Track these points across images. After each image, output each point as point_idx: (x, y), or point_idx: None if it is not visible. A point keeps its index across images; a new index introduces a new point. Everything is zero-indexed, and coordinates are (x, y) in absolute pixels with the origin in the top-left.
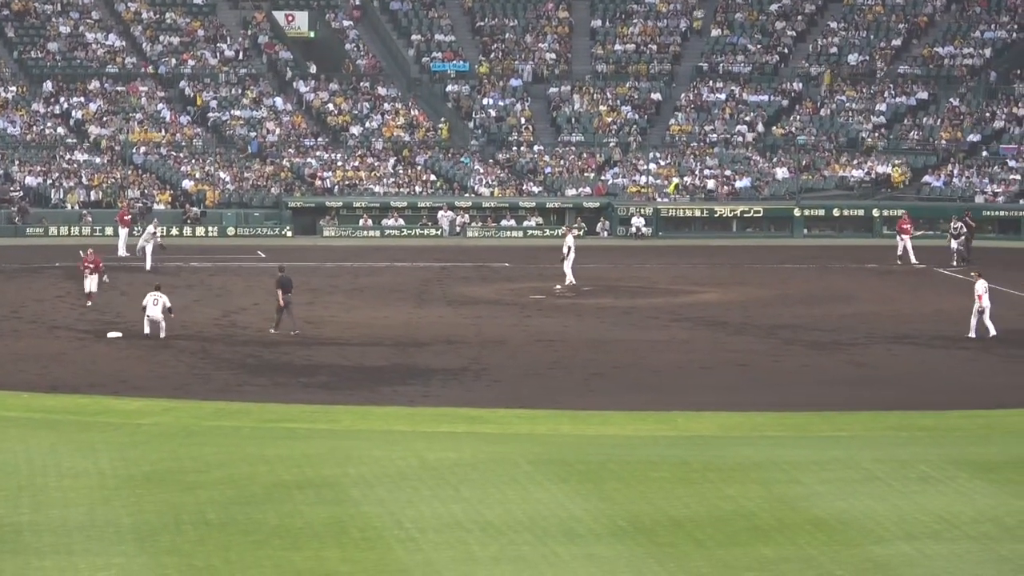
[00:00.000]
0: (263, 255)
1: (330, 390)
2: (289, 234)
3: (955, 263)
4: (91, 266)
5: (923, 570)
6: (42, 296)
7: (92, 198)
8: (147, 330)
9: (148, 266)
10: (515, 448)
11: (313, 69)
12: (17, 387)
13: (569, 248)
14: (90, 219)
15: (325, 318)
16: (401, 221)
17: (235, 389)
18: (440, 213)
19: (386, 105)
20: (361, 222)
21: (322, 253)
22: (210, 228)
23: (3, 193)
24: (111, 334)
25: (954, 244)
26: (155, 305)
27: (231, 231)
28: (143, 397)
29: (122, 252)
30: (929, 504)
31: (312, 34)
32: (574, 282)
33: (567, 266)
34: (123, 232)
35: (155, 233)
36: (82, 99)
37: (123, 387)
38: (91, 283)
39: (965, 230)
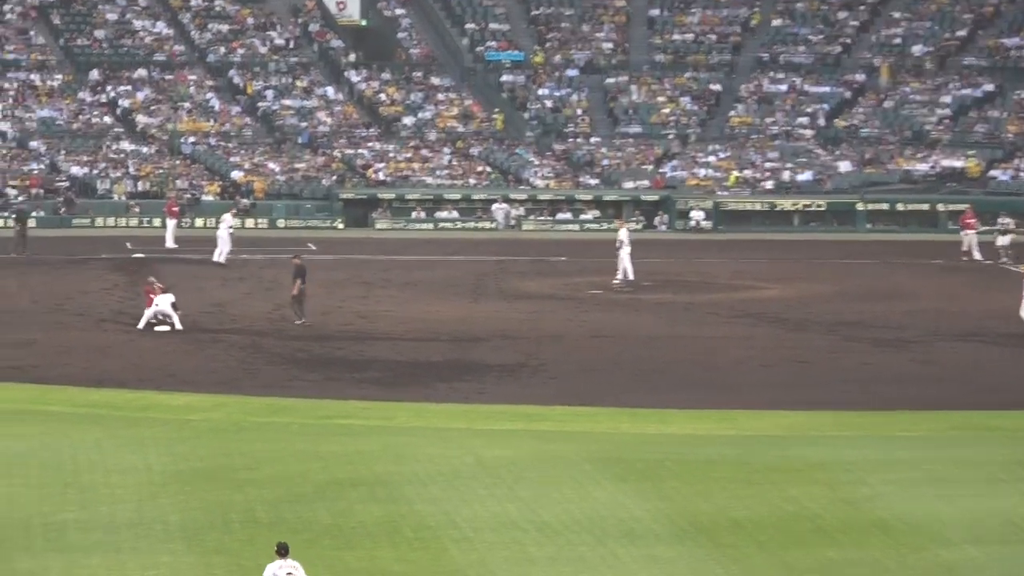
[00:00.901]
0: (314, 247)
1: (384, 386)
2: (340, 226)
3: (1003, 260)
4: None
5: (992, 575)
6: (88, 288)
7: (139, 188)
8: (142, 324)
9: (222, 259)
10: (573, 446)
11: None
12: (62, 381)
13: (622, 242)
14: (137, 210)
15: (378, 312)
16: (455, 214)
17: (286, 384)
18: (495, 206)
19: (439, 95)
20: (414, 214)
21: (374, 246)
22: (260, 220)
23: (49, 183)
24: (159, 327)
25: (1002, 240)
26: (165, 297)
27: (281, 223)
28: (192, 392)
29: (170, 244)
30: (998, 507)
31: (364, 22)
32: (631, 277)
33: (622, 259)
34: (171, 223)
35: (232, 226)
36: (129, 88)
37: (171, 381)
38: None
39: (1013, 226)
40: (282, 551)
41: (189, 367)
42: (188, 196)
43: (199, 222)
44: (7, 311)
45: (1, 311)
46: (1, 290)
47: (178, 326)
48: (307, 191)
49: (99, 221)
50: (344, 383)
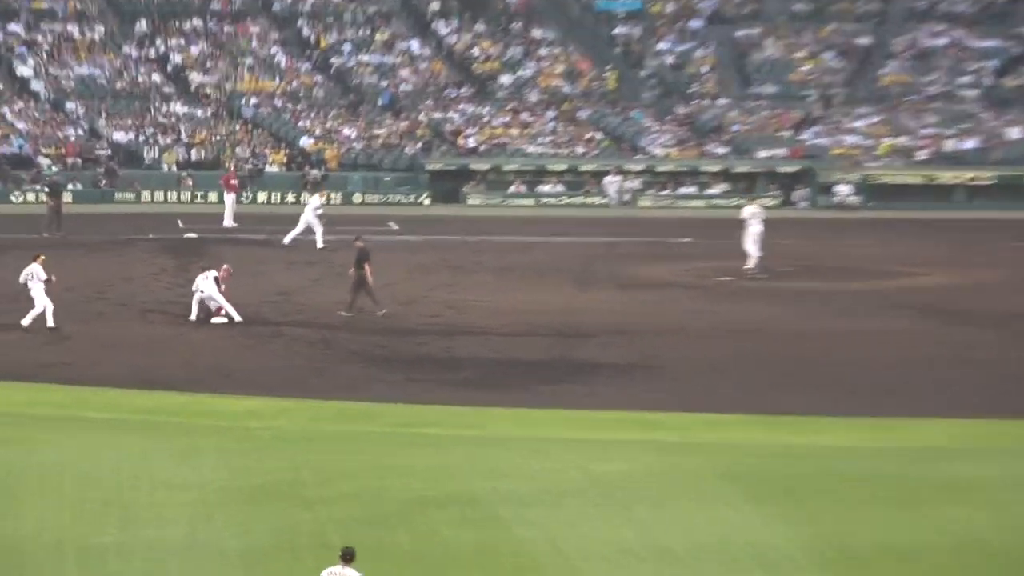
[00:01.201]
0: (395, 227)
1: (476, 388)
2: (427, 202)
3: None
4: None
5: None
6: (132, 273)
7: (193, 158)
8: (193, 315)
9: (319, 243)
10: (699, 460)
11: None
12: (103, 382)
13: (750, 221)
14: (190, 183)
15: (469, 302)
16: (560, 187)
17: (363, 386)
18: (606, 178)
19: (542, 50)
20: (512, 188)
21: (465, 225)
22: (333, 194)
23: (88, 151)
24: (215, 319)
25: None
26: (204, 279)
27: (357, 198)
28: (253, 395)
29: (228, 223)
30: None
31: None
32: (753, 261)
33: (750, 241)
34: (229, 199)
35: (319, 207)
36: (182, 41)
37: (229, 383)
38: (217, 298)
39: None
40: (347, 557)
41: (249, 366)
42: (249, 167)
43: (261, 197)
44: None
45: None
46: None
47: (193, 317)
48: (388, 161)
49: (145, 196)
50: (430, 385)
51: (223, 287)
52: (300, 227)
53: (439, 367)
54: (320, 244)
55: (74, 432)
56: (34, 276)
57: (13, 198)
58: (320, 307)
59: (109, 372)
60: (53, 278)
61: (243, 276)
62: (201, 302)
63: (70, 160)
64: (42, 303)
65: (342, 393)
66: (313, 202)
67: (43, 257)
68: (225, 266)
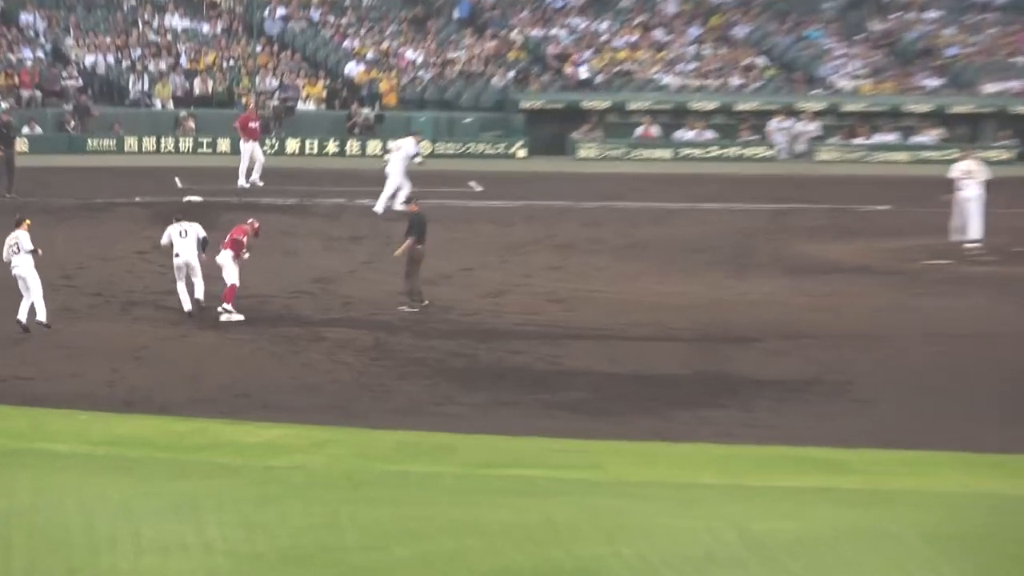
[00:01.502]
0: (478, 188)
1: (590, 414)
2: (521, 154)
3: None
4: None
5: None
6: (111, 252)
7: (196, 91)
8: (187, 305)
9: (379, 206)
10: (897, 514)
11: None
12: (72, 403)
13: (965, 182)
14: (192, 125)
15: (581, 295)
16: (708, 134)
17: (431, 410)
18: (772, 122)
19: None
20: (640, 134)
21: (575, 186)
22: (391, 142)
23: (51, 81)
24: (224, 316)
25: None
26: (183, 238)
27: (423, 146)
28: (278, 422)
29: (246, 180)
30: None
31: None
32: (976, 236)
33: (966, 209)
34: (247, 148)
35: (417, 155)
36: None
37: (245, 405)
38: (231, 273)
39: None
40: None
41: (274, 382)
42: (274, 104)
43: (291, 145)
44: None
45: None
46: None
47: (198, 294)
48: (467, 97)
49: (130, 143)
50: (525, 408)
51: (245, 252)
52: (392, 184)
53: (539, 384)
54: (380, 207)
55: (30, 472)
56: (20, 248)
57: None
58: (373, 299)
59: (79, 389)
60: (39, 250)
61: (269, 256)
62: (191, 286)
63: (25, 94)
64: (38, 285)
65: (402, 420)
66: (406, 147)
67: (28, 221)
68: (251, 220)
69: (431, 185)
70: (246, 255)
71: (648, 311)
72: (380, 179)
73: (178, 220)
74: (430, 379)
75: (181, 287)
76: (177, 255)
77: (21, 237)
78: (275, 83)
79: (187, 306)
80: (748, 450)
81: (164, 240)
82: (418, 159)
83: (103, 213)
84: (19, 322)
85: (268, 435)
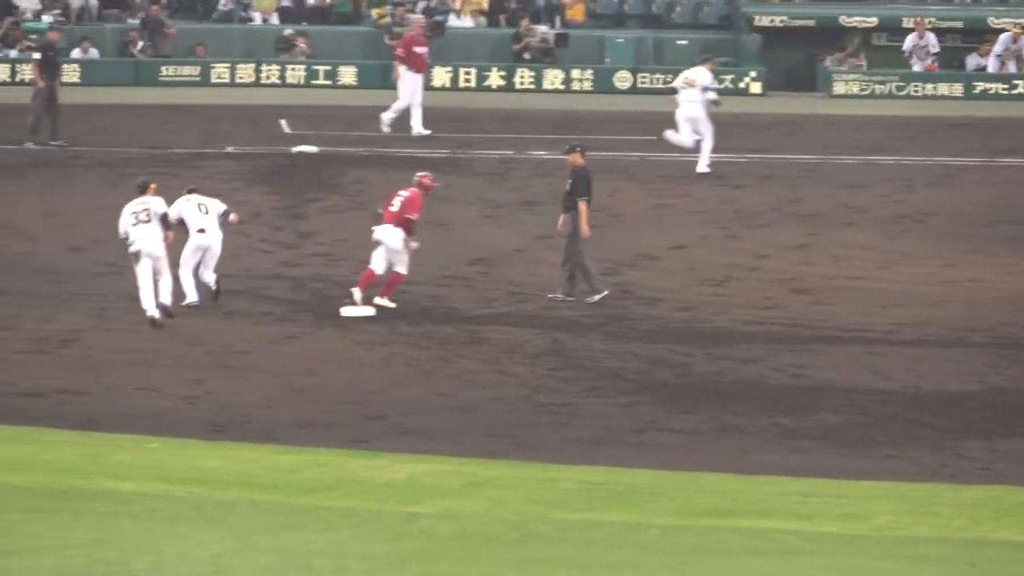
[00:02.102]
0: (699, 135)
1: (846, 445)
2: (756, 88)
3: None
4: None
5: None
6: None
7: (309, 1)
8: (191, 297)
9: (702, 165)
10: None
11: None
12: (142, 427)
13: None
14: (303, 46)
15: (836, 280)
16: (1012, 65)
17: (629, 438)
18: None
19: None
20: (917, 64)
21: (828, 133)
22: (576, 71)
23: None
24: (347, 309)
25: None
26: (204, 214)
27: (622, 79)
28: (422, 454)
29: (419, 127)
30: None
31: None
32: None
33: None
34: (413, 82)
35: (712, 91)
36: None
37: (377, 430)
38: (377, 259)
39: None
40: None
41: (417, 398)
42: (436, 19)
43: (440, 77)
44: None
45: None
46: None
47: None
48: (682, 10)
49: (219, 72)
50: (757, 437)
51: (415, 215)
52: (709, 132)
53: (776, 404)
54: (704, 165)
55: (87, 520)
56: (152, 217)
57: None
58: (551, 288)
59: (151, 408)
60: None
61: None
62: (198, 274)
63: (76, 3)
64: (166, 270)
65: (589, 452)
66: (701, 79)
67: (155, 185)
68: (421, 174)
69: (628, 132)
70: (414, 244)
71: (926, 306)
72: (555, 118)
73: (192, 191)
74: (627, 396)
75: (187, 278)
76: (202, 230)
77: (154, 204)
78: None
79: (194, 298)
80: None
81: (173, 213)
82: (712, 95)
83: (182, 168)
84: (152, 319)
85: (408, 471)
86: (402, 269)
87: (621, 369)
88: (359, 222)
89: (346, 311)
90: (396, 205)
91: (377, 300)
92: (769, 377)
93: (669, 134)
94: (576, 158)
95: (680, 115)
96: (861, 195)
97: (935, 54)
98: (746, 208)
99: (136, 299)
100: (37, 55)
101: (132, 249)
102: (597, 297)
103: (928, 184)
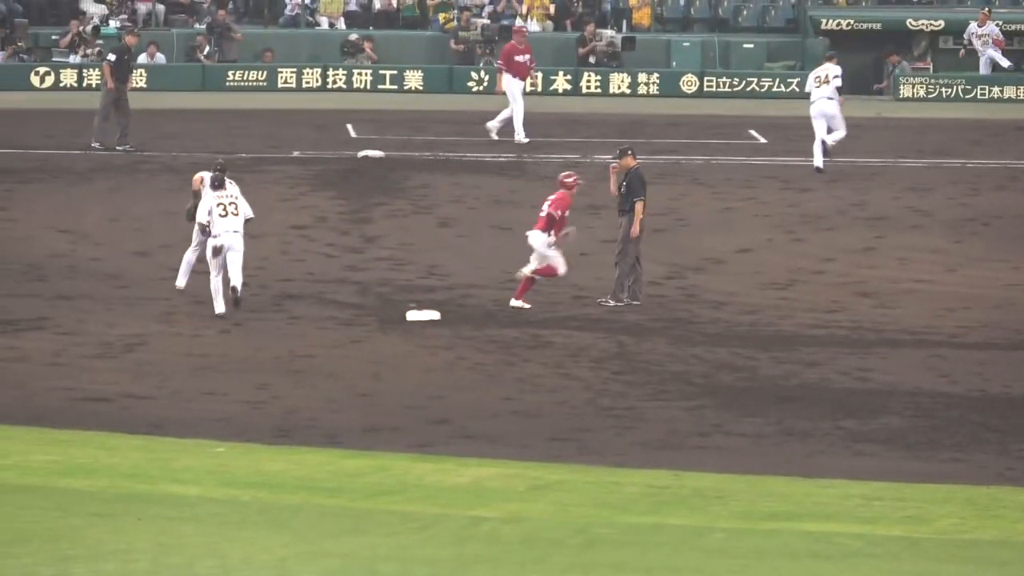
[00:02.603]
0: (763, 139)
1: (911, 449)
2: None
3: None
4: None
5: None
6: (260, 226)
7: (377, 5)
8: (215, 289)
9: (818, 160)
10: None
11: None
12: (207, 431)
13: None
14: (370, 51)
15: (902, 283)
16: None
17: (693, 442)
18: None
19: None
20: (986, 60)
21: (895, 136)
22: (643, 75)
23: None
24: (413, 313)
25: None
26: (224, 217)
27: (690, 82)
28: (486, 458)
29: (521, 135)
30: None
31: None
32: None
33: None
34: (516, 89)
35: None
36: None
37: (441, 434)
38: (536, 259)
39: None
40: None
41: (481, 402)
42: (485, 23)
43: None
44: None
45: (63, 269)
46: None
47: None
48: (748, 13)
49: (286, 76)
50: (821, 441)
51: (564, 232)
52: (820, 125)
53: (841, 408)
54: (819, 162)
55: (151, 524)
56: (240, 210)
57: (35, 78)
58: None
59: (216, 412)
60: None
61: (474, 234)
62: (225, 275)
63: (142, 8)
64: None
65: (654, 456)
66: (832, 74)
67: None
68: (564, 173)
69: (696, 135)
70: (570, 232)
71: (992, 309)
72: (622, 123)
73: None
74: (692, 400)
75: (216, 282)
76: (215, 236)
77: (240, 200)
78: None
79: (219, 307)
80: None
81: (203, 211)
82: (833, 101)
83: (248, 173)
84: (221, 315)
85: (472, 475)
86: (561, 269)
87: (685, 373)
88: (424, 226)
89: (412, 315)
90: (544, 209)
91: (513, 303)
92: (834, 380)
93: (836, 135)
94: (629, 160)
95: (815, 112)
96: (927, 198)
97: (998, 40)
98: (811, 211)
99: (201, 302)
100: (112, 56)
101: (216, 243)
102: (612, 303)
103: (994, 187)
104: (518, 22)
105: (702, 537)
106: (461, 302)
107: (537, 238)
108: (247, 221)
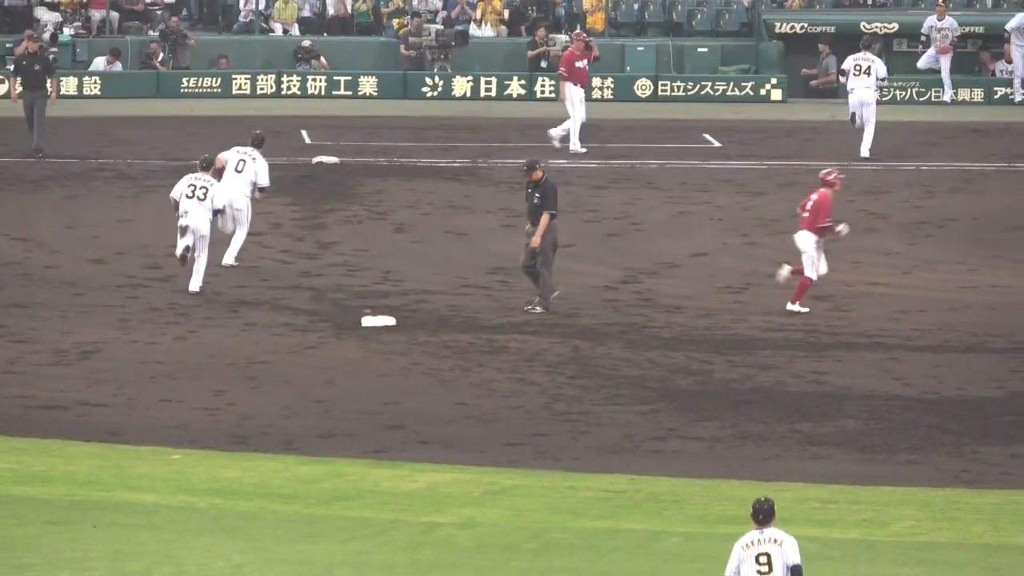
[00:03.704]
0: (717, 143)
1: (866, 451)
2: (776, 95)
3: None
4: None
5: None
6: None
7: (330, 11)
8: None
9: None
10: None
11: None
12: (162, 438)
13: None
14: (323, 60)
15: (856, 286)
16: None
17: (648, 446)
18: None
19: None
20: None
21: (847, 139)
22: (598, 80)
23: None
24: (369, 319)
25: None
26: (198, 200)
27: (643, 87)
28: (441, 463)
29: (576, 144)
30: None
31: None
32: None
33: None
34: (576, 97)
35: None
36: None
37: (396, 440)
38: (807, 261)
39: None
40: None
41: (436, 408)
42: (439, 29)
43: (459, 86)
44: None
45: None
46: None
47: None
48: (703, 18)
49: (240, 83)
50: (776, 444)
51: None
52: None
53: (796, 411)
54: (867, 150)
55: (107, 532)
56: (208, 195)
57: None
58: (570, 296)
59: (171, 419)
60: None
61: (429, 239)
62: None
63: (97, 15)
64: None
65: (609, 460)
66: (877, 67)
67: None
68: (825, 171)
69: (651, 140)
70: (842, 228)
71: (947, 312)
72: (585, 131)
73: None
74: (648, 404)
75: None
76: (188, 224)
77: (214, 189)
78: (438, 0)
79: (193, 286)
80: None
81: (176, 194)
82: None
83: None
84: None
85: (428, 481)
86: (812, 274)
87: (641, 377)
88: (379, 232)
89: (367, 320)
90: (808, 211)
91: (789, 306)
92: (789, 384)
93: (866, 140)
94: (538, 174)
95: (853, 100)
96: (881, 201)
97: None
98: (766, 215)
99: (157, 309)
100: (11, 67)
101: (181, 223)
102: (539, 309)
103: (949, 190)
104: (472, 27)
105: (657, 541)
106: (416, 307)
107: (806, 240)
108: (261, 189)
